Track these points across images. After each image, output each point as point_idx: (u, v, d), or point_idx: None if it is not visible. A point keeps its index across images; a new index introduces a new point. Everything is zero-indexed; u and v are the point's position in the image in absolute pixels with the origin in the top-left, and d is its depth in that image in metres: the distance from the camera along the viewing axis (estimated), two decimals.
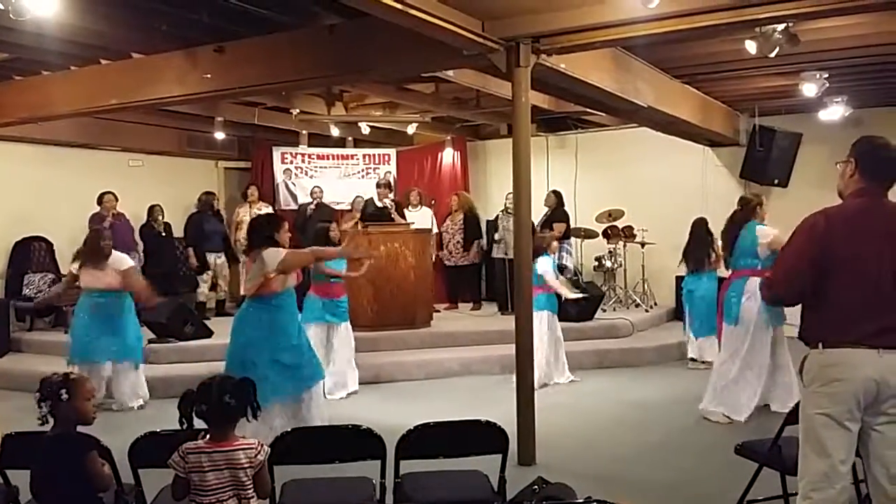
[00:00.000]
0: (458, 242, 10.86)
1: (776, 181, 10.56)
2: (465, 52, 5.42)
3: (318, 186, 11.25)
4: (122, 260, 6.97)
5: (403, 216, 9.91)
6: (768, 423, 5.61)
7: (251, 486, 2.80)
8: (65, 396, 2.95)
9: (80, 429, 3.02)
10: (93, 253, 6.86)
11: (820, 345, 3.04)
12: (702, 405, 6.30)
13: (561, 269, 9.83)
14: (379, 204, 9.86)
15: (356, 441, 3.38)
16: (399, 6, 4.48)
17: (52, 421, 2.99)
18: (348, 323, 7.37)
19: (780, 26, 5.77)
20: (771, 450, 3.65)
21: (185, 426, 2.88)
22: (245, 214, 10.79)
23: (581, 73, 6.23)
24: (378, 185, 10.21)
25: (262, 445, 2.87)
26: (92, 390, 3.14)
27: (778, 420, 3.71)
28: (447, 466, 3.57)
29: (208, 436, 2.86)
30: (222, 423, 2.85)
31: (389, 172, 12.13)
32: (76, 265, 7.00)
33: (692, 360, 8.39)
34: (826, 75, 7.86)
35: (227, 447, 2.80)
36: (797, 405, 3.41)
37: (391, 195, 10.08)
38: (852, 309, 2.98)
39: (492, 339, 8.70)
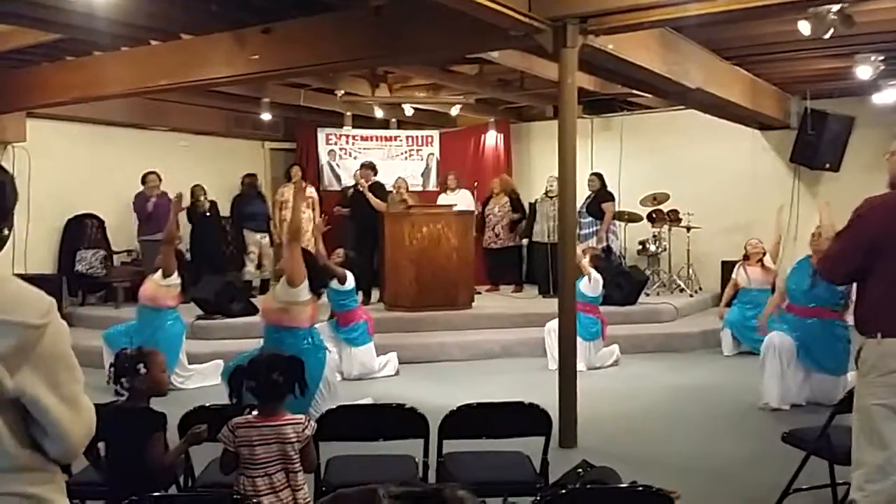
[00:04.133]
0: (505, 225, 10.83)
1: (827, 165, 10.35)
2: (511, 33, 5.37)
3: (361, 168, 10.85)
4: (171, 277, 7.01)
5: (384, 198, 9.86)
6: (815, 412, 5.55)
7: (298, 460, 2.85)
8: (143, 370, 3.07)
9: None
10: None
11: (878, 335, 2.98)
12: None
13: (607, 251, 9.77)
14: (360, 188, 9.86)
15: (400, 419, 3.41)
16: None
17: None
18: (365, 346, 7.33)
19: (835, 7, 5.64)
20: (820, 438, 3.60)
21: (234, 401, 2.95)
22: (288, 194, 10.89)
23: (629, 55, 6.15)
24: (360, 167, 10.16)
25: (309, 421, 2.92)
26: (164, 361, 3.24)
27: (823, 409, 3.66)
28: (490, 447, 3.58)
29: (256, 411, 2.92)
30: (271, 399, 2.91)
31: (433, 154, 12.14)
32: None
33: None
34: (882, 58, 7.66)
35: (275, 422, 2.85)
36: (848, 394, 3.36)
37: (373, 177, 9.99)
38: None
39: (533, 321, 8.66)
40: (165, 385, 3.19)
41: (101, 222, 10.21)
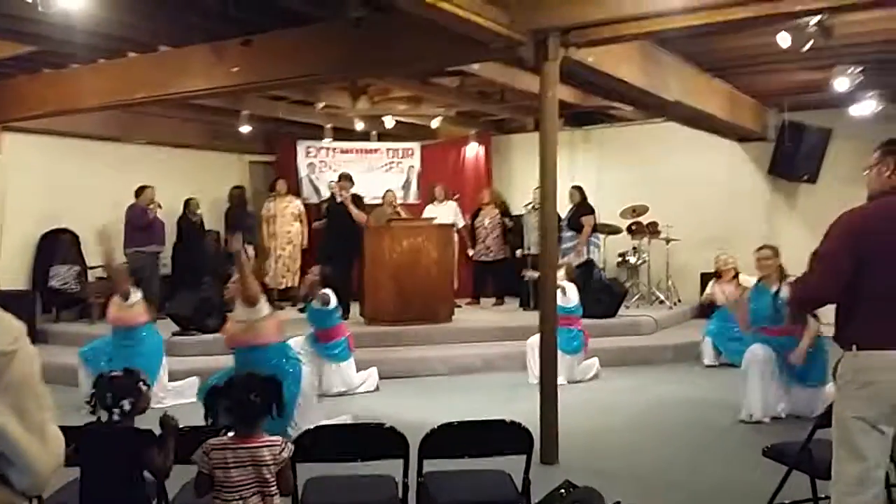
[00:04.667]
0: (497, 237, 10.78)
1: (805, 177, 10.43)
2: (492, 46, 5.36)
3: (339, 179, 10.55)
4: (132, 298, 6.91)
5: (363, 208, 9.82)
6: (796, 424, 5.55)
7: (275, 482, 2.78)
8: (144, 388, 3.04)
9: None
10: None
11: (854, 347, 2.97)
12: None
13: (588, 263, 9.76)
14: (338, 199, 9.77)
15: (379, 439, 3.34)
16: None
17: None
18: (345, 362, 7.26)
19: (815, 19, 5.67)
20: (801, 453, 3.58)
21: (209, 421, 2.89)
22: (275, 208, 10.85)
23: (610, 67, 6.16)
24: (339, 179, 10.06)
25: (285, 443, 2.86)
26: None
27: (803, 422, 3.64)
28: (471, 466, 3.53)
29: (232, 432, 2.85)
30: (247, 420, 2.85)
31: (413, 167, 12.11)
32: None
33: None
34: (859, 69, 7.71)
35: (251, 444, 2.79)
36: (829, 408, 3.34)
37: (351, 188, 9.92)
38: (887, 310, 2.91)
39: (514, 334, 8.62)
40: (148, 403, 3.13)
41: (76, 237, 10.05)
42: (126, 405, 2.99)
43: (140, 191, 9.71)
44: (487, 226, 10.82)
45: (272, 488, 2.77)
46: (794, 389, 6.08)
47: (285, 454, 2.81)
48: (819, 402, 5.60)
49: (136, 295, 6.91)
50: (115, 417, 3.00)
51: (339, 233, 9.70)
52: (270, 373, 4.85)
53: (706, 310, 8.82)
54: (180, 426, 3.06)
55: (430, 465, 3.42)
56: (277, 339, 5.49)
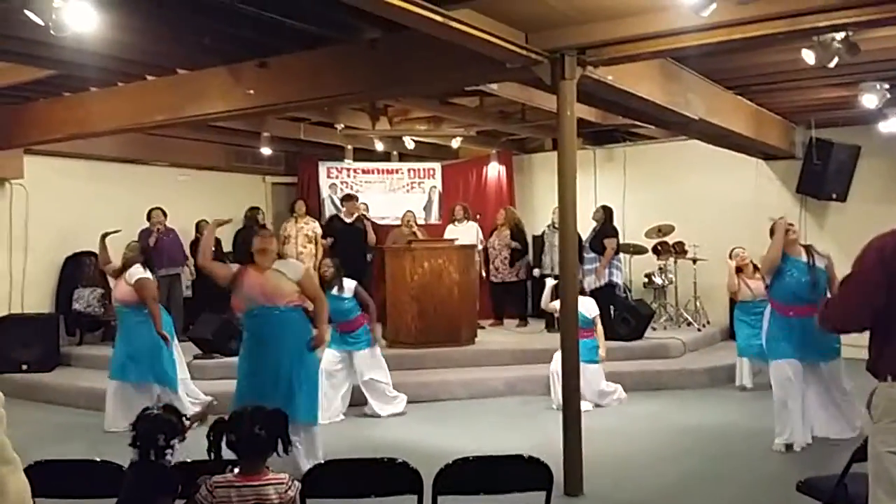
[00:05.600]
0: (504, 258, 10.67)
1: (834, 196, 10.19)
2: (508, 65, 5.28)
3: (348, 200, 10.63)
4: (133, 273, 6.90)
5: (375, 230, 9.78)
6: (829, 452, 5.35)
7: None
8: (182, 427, 2.96)
9: None
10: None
11: (889, 377, 2.80)
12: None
13: (612, 285, 9.58)
14: (347, 220, 9.66)
15: (392, 474, 3.22)
16: (440, 19, 4.36)
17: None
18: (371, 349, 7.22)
19: (840, 35, 5.51)
20: (836, 488, 3.40)
21: (212, 455, 2.80)
22: (292, 229, 10.79)
23: (629, 85, 6.03)
24: (344, 200, 9.91)
25: (293, 481, 2.77)
26: None
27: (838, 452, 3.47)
28: (488, 503, 3.40)
29: (237, 469, 2.75)
30: (252, 455, 2.76)
31: (435, 187, 12.05)
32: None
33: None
34: (887, 86, 7.53)
35: (256, 481, 2.70)
36: (865, 440, 3.17)
37: (360, 207, 9.83)
38: None
39: (537, 357, 8.46)
40: None
41: None
42: (176, 444, 2.92)
43: (149, 214, 9.72)
44: (497, 247, 10.70)
45: None
46: (819, 412, 5.98)
47: (292, 493, 2.72)
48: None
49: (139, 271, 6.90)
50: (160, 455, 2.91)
51: (347, 253, 9.58)
52: (291, 336, 4.94)
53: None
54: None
55: (445, 502, 3.29)
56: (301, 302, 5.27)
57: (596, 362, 7.34)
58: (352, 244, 9.57)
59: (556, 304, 6.29)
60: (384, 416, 7.13)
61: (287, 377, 5.08)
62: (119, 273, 7.01)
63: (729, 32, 4.78)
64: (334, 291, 6.91)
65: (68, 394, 8.08)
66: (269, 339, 5.09)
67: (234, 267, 5.25)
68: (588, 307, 7.36)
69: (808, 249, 6.09)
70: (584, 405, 6.91)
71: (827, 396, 6.05)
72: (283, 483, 2.72)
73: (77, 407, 7.78)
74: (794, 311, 5.89)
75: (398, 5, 4.09)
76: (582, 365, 6.10)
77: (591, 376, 7.18)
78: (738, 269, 8.01)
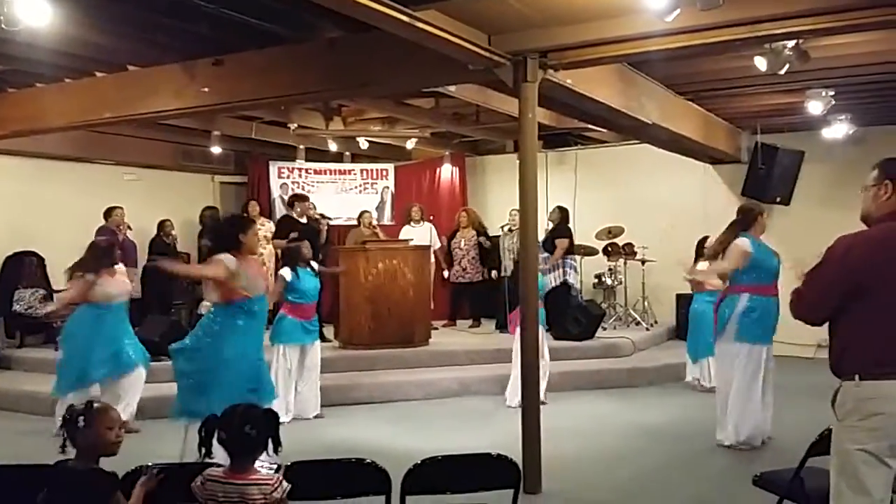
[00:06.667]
0: (473, 258, 10.68)
1: (778, 199, 10.47)
2: (470, 67, 5.29)
3: (299, 200, 10.26)
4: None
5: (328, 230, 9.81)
6: (782, 449, 5.49)
7: None
8: (81, 423, 2.82)
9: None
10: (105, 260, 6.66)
11: (856, 377, 2.89)
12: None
13: (566, 285, 9.67)
14: (303, 220, 9.57)
15: (360, 475, 3.21)
16: (406, 19, 4.35)
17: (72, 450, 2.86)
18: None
19: (791, 43, 5.68)
20: (793, 481, 3.49)
21: (202, 451, 2.82)
22: None
23: (587, 89, 6.11)
24: (296, 200, 9.77)
25: (280, 482, 2.77)
26: (115, 420, 2.95)
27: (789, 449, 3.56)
28: (455, 501, 3.40)
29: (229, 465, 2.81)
30: (241, 453, 2.79)
31: (388, 188, 12.02)
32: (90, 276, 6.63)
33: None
34: (832, 93, 7.77)
35: (241, 480, 2.72)
36: (821, 435, 3.26)
37: (312, 208, 9.78)
38: (892, 338, 2.84)
39: (490, 357, 8.55)
40: (111, 444, 2.88)
41: (42, 260, 9.80)
42: (75, 438, 2.84)
43: (109, 212, 9.46)
44: (464, 247, 10.72)
45: None
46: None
47: (277, 494, 2.72)
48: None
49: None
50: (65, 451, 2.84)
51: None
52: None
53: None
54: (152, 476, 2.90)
55: (413, 501, 3.28)
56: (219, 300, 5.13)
57: None
58: (312, 244, 9.48)
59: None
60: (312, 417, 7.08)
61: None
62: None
63: (690, 38, 4.87)
64: (308, 269, 6.97)
65: (8, 398, 7.82)
66: (262, 326, 5.20)
67: (228, 258, 4.93)
68: None
69: None
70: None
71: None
72: (268, 484, 2.72)
73: (18, 411, 7.54)
74: (766, 291, 5.90)
75: (365, 4, 4.07)
76: None
77: None
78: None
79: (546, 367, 7.29)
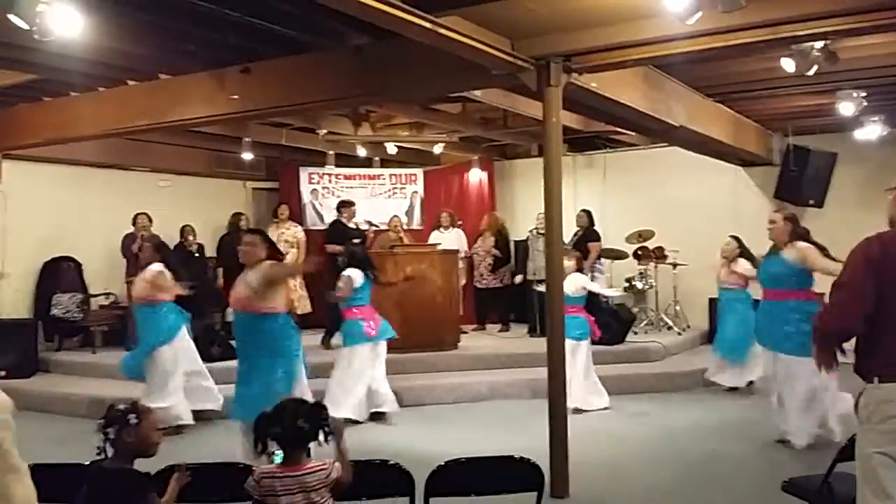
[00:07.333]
0: (488, 265, 10.74)
1: (811, 202, 10.33)
2: (494, 72, 5.31)
3: (349, 206, 10.46)
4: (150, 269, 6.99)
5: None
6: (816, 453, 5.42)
7: None
8: (134, 421, 2.91)
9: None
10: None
11: (876, 379, 2.86)
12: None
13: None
14: (352, 225, 9.69)
15: (384, 476, 3.25)
16: (428, 25, 4.39)
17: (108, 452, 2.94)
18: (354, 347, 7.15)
19: (819, 44, 5.63)
20: (821, 488, 3.46)
21: (259, 448, 2.94)
22: (273, 234, 10.73)
23: (612, 93, 6.10)
24: (343, 206, 9.98)
25: (333, 464, 2.93)
26: (157, 420, 3.09)
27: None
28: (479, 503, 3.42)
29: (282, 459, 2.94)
30: (295, 446, 2.92)
31: (417, 192, 12.08)
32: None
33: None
34: (864, 94, 7.66)
35: (297, 472, 2.86)
36: (850, 440, 3.23)
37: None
38: None
39: (520, 361, 8.55)
40: (154, 445, 2.99)
41: (79, 265, 10.00)
42: (110, 434, 2.90)
43: (134, 219, 9.65)
44: (482, 254, 10.78)
45: None
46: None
47: (334, 474, 2.90)
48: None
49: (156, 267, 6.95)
50: (103, 451, 2.91)
51: None
52: (269, 342, 5.08)
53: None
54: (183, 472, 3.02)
55: (437, 503, 3.31)
56: (285, 309, 5.37)
57: (583, 339, 7.37)
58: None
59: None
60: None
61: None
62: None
63: (712, 40, 4.85)
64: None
65: (46, 400, 7.98)
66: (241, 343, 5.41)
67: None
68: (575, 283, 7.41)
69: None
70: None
71: None
72: (323, 469, 2.89)
73: (56, 413, 7.70)
74: (774, 295, 6.02)
75: (387, 11, 4.11)
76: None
77: (577, 352, 7.25)
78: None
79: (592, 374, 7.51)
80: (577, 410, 7.08)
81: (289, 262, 6.83)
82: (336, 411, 7.02)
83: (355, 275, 7.02)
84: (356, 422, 6.88)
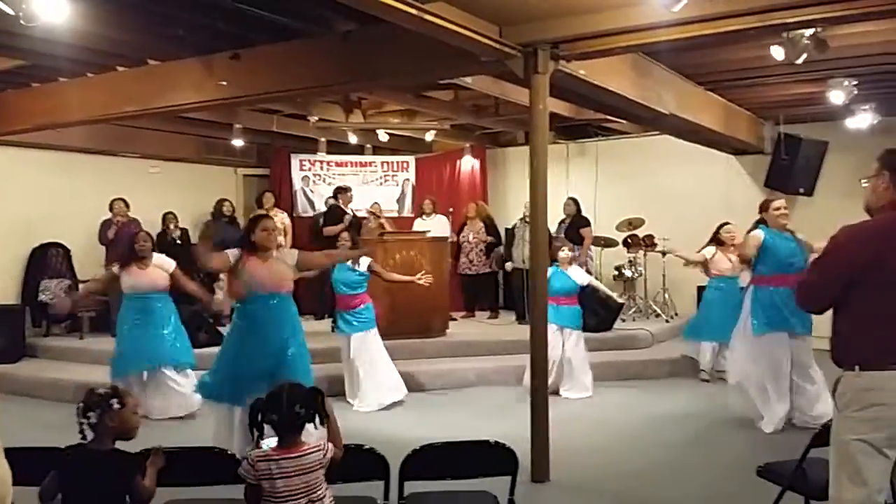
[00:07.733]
0: (481, 251, 10.75)
1: (801, 190, 10.35)
2: (482, 59, 5.31)
3: (345, 192, 10.63)
4: (166, 260, 6.96)
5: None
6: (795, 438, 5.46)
7: (322, 487, 2.91)
8: (117, 406, 2.95)
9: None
10: (132, 254, 6.83)
11: (856, 367, 2.88)
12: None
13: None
14: (348, 212, 9.79)
15: (359, 461, 3.27)
16: (415, 11, 4.38)
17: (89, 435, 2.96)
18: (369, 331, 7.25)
19: (809, 31, 5.61)
20: (795, 473, 3.49)
21: (256, 434, 2.97)
22: None
23: (601, 80, 6.09)
24: (339, 192, 10.13)
25: (328, 445, 2.97)
26: (137, 403, 3.12)
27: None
28: (455, 488, 3.44)
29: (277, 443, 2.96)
30: (292, 431, 2.94)
31: (408, 180, 12.07)
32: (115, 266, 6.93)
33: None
34: (855, 82, 7.65)
35: (294, 454, 2.89)
36: (824, 426, 3.25)
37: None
38: (892, 329, 2.83)
39: (508, 348, 8.57)
40: (134, 429, 3.03)
41: (67, 251, 10.00)
42: (92, 418, 2.92)
43: (111, 204, 9.60)
44: (472, 241, 10.79)
45: (320, 492, 2.90)
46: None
47: (329, 454, 2.95)
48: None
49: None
50: (84, 434, 2.93)
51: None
52: (297, 322, 5.16)
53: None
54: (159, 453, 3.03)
55: (413, 488, 3.33)
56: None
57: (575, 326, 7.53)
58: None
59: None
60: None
61: (290, 360, 5.12)
62: (140, 261, 6.91)
63: (700, 28, 4.84)
64: (349, 263, 7.05)
65: (33, 385, 7.99)
66: (270, 324, 5.11)
67: (232, 254, 5.07)
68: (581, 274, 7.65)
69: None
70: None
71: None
72: (319, 450, 2.93)
73: (43, 398, 7.70)
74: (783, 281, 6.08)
75: None
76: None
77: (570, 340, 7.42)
78: (721, 242, 8.28)
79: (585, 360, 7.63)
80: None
81: (344, 249, 6.95)
82: (389, 395, 7.22)
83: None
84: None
